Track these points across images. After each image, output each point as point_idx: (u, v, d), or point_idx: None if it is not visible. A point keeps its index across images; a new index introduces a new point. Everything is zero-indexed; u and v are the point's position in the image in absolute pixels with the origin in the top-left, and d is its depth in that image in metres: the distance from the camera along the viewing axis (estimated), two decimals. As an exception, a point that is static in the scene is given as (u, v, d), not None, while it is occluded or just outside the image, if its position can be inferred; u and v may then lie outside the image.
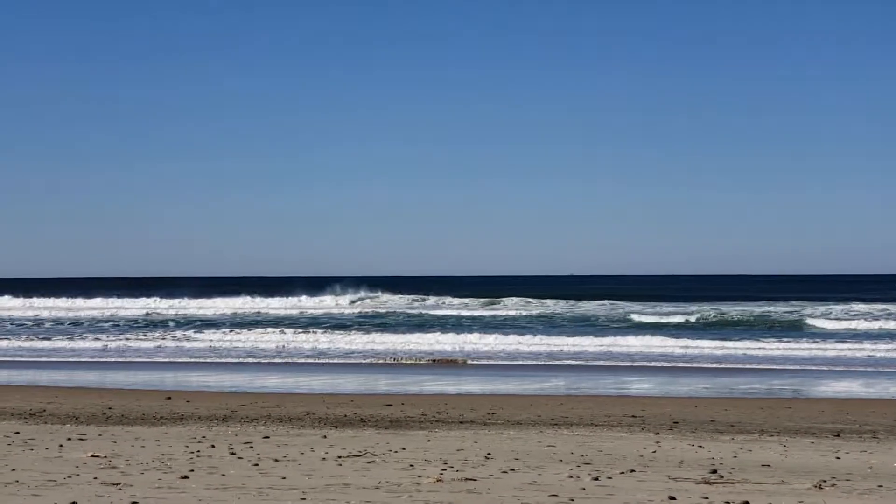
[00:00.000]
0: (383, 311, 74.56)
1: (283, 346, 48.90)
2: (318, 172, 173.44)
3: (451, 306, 78.92)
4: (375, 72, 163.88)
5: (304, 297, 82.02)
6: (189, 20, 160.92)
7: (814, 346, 47.03)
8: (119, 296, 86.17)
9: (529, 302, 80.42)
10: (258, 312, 74.41)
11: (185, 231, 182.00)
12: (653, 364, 39.83)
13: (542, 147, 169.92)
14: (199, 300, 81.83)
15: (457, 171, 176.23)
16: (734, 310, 68.87)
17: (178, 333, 57.15)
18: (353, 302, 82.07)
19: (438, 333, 53.66)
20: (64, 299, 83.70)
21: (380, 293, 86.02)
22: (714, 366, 39.14)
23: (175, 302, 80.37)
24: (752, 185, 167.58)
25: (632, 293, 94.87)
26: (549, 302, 79.13)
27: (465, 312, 71.87)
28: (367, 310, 75.80)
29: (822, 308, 69.26)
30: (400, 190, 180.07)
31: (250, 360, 43.01)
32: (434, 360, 41.54)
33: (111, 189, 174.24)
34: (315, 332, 56.18)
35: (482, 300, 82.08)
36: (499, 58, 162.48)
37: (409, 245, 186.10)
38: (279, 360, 42.59)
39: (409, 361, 41.78)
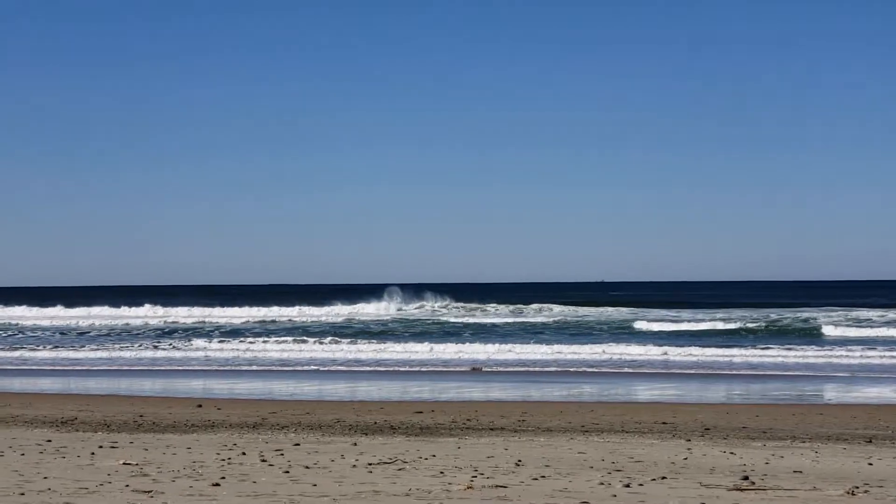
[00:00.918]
0: (411, 318, 74.64)
1: (313, 356, 48.72)
2: (323, 177, 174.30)
3: (493, 314, 78.80)
4: (387, 73, 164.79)
5: (338, 305, 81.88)
6: (190, 23, 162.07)
7: (843, 352, 46.62)
8: (141, 304, 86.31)
9: (552, 308, 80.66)
10: (275, 321, 74.34)
11: (187, 238, 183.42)
12: (682, 371, 39.71)
13: (568, 151, 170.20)
14: (224, 308, 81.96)
15: (477, 175, 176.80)
16: (759, 316, 68.75)
17: (202, 342, 57.21)
18: (403, 308, 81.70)
19: (476, 343, 53.26)
20: (83, 309, 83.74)
21: (425, 301, 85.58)
22: (745, 372, 38.99)
23: (195, 310, 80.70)
24: (775, 189, 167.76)
25: (658, 300, 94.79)
26: (584, 309, 79.23)
27: (497, 320, 71.87)
28: (407, 316, 76.10)
29: (844, 314, 68.99)
30: (421, 195, 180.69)
31: (281, 367, 43.09)
32: (474, 369, 41.48)
33: (115, 195, 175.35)
34: (342, 342, 56.18)
35: (514, 307, 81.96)
36: (521, 61, 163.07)
37: (437, 251, 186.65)
38: (309, 368, 42.63)
39: (444, 369, 41.73)
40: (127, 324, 73.21)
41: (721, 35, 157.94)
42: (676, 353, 46.55)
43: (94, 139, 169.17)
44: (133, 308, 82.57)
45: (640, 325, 64.88)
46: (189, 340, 58.22)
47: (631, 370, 40.14)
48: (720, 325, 63.54)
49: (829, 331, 59.22)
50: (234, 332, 64.01)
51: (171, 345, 55.48)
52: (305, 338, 57.89)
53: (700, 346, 49.59)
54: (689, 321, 66.15)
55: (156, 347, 53.78)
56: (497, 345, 51.61)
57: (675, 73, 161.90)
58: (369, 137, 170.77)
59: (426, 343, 53.17)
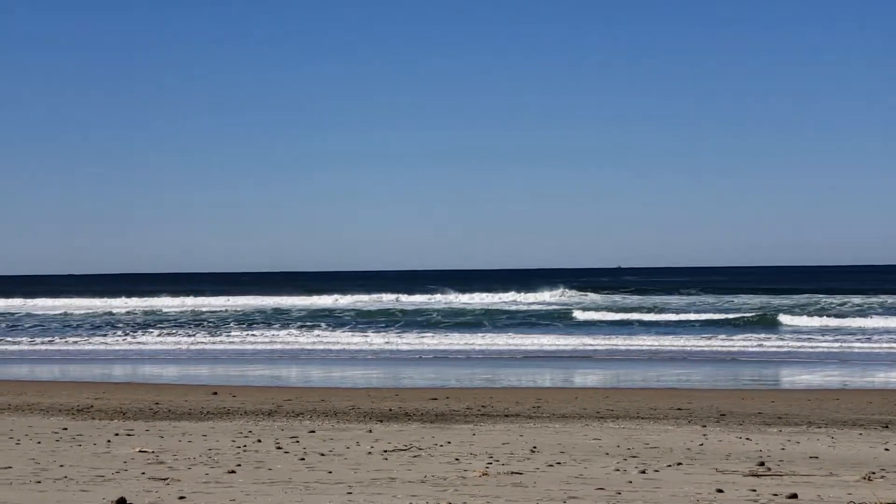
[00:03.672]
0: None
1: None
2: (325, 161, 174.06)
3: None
4: (414, 57, 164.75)
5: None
6: (194, 13, 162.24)
7: (861, 340, 46.24)
8: (160, 293, 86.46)
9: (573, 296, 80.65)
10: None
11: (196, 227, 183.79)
12: (698, 357, 39.66)
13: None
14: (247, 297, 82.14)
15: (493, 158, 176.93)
16: (773, 302, 68.58)
17: (233, 330, 57.27)
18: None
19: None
20: (102, 299, 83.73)
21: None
22: (760, 358, 38.92)
23: (219, 300, 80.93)
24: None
25: (672, 286, 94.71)
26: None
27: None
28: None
29: (855, 300, 68.47)
30: (445, 181, 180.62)
31: (302, 356, 43.18)
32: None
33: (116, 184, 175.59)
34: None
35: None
36: (538, 43, 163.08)
37: (469, 238, 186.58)
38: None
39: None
40: (147, 311, 72.94)
41: (734, 19, 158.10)
42: (705, 345, 45.85)
43: (96, 130, 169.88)
44: (153, 298, 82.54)
45: (656, 313, 64.03)
46: (216, 328, 57.95)
47: (647, 357, 40.08)
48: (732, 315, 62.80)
49: (844, 317, 58.53)
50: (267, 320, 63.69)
51: (193, 332, 55.47)
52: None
53: (718, 336, 49.12)
54: (706, 311, 65.63)
55: (177, 335, 53.77)
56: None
57: (687, 58, 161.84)
58: (375, 120, 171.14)
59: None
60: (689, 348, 42.82)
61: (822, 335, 47.75)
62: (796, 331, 50.70)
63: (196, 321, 62.67)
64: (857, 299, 68.24)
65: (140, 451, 16.33)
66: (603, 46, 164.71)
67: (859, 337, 46.68)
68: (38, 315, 70.38)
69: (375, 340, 48.71)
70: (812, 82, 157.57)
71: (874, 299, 68.94)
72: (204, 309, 73.22)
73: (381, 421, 21.29)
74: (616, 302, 73.66)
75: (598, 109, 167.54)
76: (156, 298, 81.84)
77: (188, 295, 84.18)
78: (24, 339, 52.24)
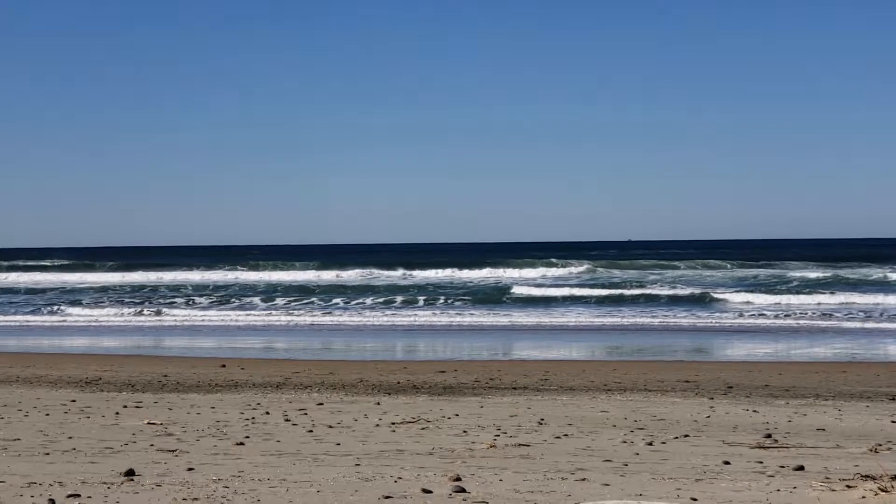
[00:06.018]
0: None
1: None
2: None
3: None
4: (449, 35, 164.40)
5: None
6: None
7: (875, 316, 46.17)
8: (173, 266, 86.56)
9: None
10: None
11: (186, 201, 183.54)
12: (705, 328, 39.67)
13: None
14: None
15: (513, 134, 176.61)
16: (784, 275, 68.32)
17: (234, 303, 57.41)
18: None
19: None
20: (140, 273, 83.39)
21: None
22: (768, 330, 38.93)
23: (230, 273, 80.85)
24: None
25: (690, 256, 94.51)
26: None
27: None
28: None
29: (864, 272, 67.89)
30: (455, 157, 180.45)
31: (308, 328, 43.23)
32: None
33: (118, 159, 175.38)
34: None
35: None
36: (555, 23, 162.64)
37: (477, 212, 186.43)
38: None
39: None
40: (161, 284, 72.83)
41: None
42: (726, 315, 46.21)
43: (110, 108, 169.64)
44: (167, 272, 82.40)
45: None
46: (221, 303, 57.96)
47: (652, 328, 40.11)
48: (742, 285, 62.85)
49: (863, 286, 58.41)
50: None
51: (202, 306, 55.59)
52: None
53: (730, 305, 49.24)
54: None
55: (187, 308, 53.87)
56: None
57: (693, 30, 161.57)
58: (374, 99, 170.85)
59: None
60: (695, 321, 42.79)
61: (831, 309, 47.57)
62: (804, 304, 50.48)
63: (204, 294, 62.48)
64: (869, 273, 67.66)
65: (148, 423, 16.39)
66: (607, 20, 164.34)
67: (871, 313, 46.34)
68: (43, 287, 70.57)
69: (385, 315, 48.74)
70: (812, 55, 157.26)
71: (891, 274, 67.84)
72: (210, 283, 73.04)
73: (390, 393, 21.33)
74: (611, 274, 73.21)
75: (611, 84, 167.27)
76: (165, 272, 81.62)
77: (199, 269, 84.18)
78: (30, 312, 52.39)
